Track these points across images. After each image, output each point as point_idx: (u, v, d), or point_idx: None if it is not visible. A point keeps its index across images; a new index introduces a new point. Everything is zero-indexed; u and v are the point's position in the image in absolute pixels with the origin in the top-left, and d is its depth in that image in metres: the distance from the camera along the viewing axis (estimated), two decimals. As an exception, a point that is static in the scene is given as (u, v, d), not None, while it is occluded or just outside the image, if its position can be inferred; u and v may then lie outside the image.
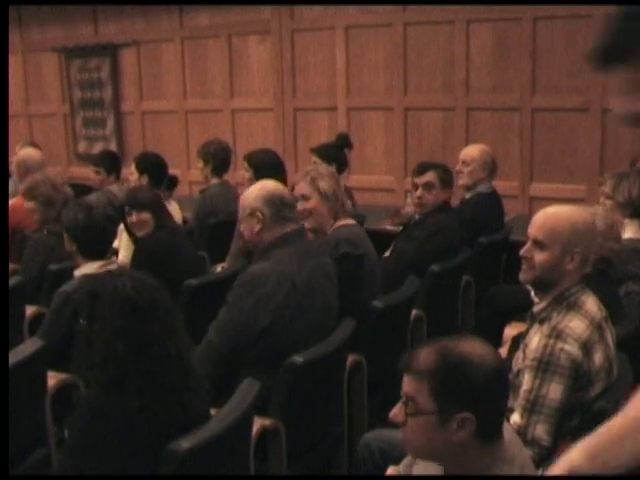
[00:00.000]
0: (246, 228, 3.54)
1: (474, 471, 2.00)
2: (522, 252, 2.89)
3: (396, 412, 2.02)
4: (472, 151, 5.53)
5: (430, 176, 4.87)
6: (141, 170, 5.60)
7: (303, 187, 4.11)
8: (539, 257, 2.84)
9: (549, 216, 2.88)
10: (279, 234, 3.47)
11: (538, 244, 2.85)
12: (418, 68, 7.30)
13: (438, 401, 1.95)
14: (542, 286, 2.89)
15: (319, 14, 7.73)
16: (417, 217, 5.02)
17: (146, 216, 4.49)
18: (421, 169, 4.96)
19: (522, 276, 2.93)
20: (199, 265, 4.81)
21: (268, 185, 3.62)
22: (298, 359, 3.16)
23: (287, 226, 3.49)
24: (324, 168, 4.33)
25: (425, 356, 1.99)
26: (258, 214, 3.46)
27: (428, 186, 4.86)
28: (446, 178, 4.91)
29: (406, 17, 7.27)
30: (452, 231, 4.85)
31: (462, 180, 5.47)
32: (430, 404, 1.96)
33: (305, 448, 3.41)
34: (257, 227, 3.47)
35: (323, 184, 4.06)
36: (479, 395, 1.96)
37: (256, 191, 3.55)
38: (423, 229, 4.83)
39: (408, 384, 2.00)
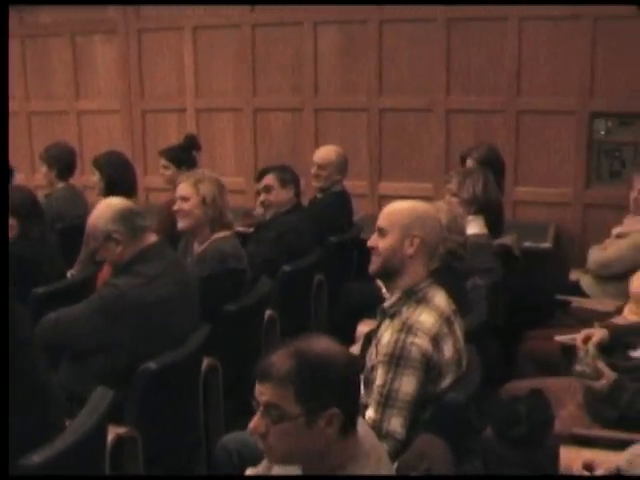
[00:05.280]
0: (107, 254, 3.48)
1: (334, 468, 2.02)
2: (368, 243, 3.00)
3: (256, 424, 2.00)
4: (328, 154, 5.59)
5: (268, 179, 4.97)
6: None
7: (184, 188, 4.11)
8: (381, 244, 2.94)
9: (391, 206, 3.02)
10: (140, 247, 3.43)
11: (380, 232, 2.95)
12: (267, 69, 7.32)
13: (304, 403, 1.95)
14: (387, 274, 2.96)
15: (166, 14, 7.62)
16: (267, 218, 5.06)
17: (12, 221, 4.17)
18: (259, 175, 5.11)
19: (370, 268, 3.01)
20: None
21: (112, 202, 3.56)
22: (152, 365, 3.13)
23: (146, 237, 3.46)
24: (211, 174, 4.31)
25: (282, 361, 1.97)
26: (116, 235, 3.41)
27: (267, 189, 4.96)
28: (285, 177, 4.99)
29: (254, 18, 7.27)
30: (301, 231, 4.91)
31: (319, 183, 5.54)
32: (296, 408, 1.95)
33: (162, 454, 3.37)
34: (119, 249, 3.41)
35: (204, 188, 4.05)
36: (341, 389, 1.98)
37: (104, 213, 3.48)
38: (272, 230, 4.86)
39: (268, 393, 1.97)
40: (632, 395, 3.17)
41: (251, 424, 2.01)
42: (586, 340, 3.46)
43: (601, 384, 3.22)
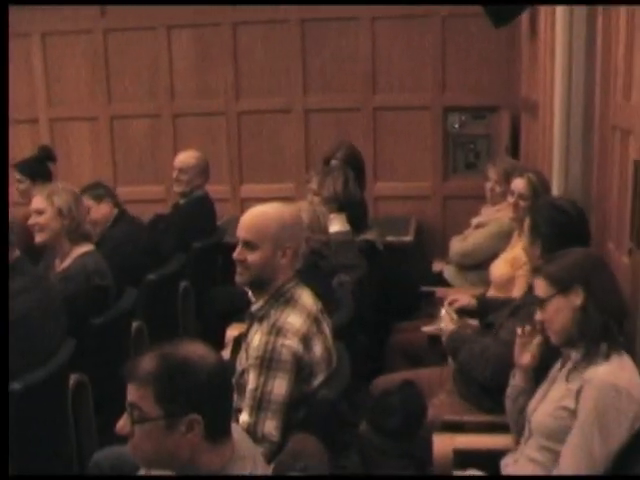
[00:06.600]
0: None
1: (210, 473, 2.00)
2: (234, 255, 2.92)
3: (122, 423, 1.98)
4: (188, 158, 5.56)
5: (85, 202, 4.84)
6: None
7: (38, 201, 3.99)
8: (252, 257, 2.87)
9: (255, 216, 2.94)
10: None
11: (248, 245, 2.88)
12: (122, 75, 7.18)
13: (163, 405, 1.93)
14: (259, 285, 2.94)
15: (13, 19, 7.35)
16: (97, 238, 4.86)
17: None
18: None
19: (238, 279, 2.95)
20: None
21: None
22: (17, 386, 3.02)
23: (10, 252, 3.34)
24: (66, 185, 4.19)
25: (146, 362, 1.96)
26: None
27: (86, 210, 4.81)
28: (98, 193, 4.84)
29: (105, 23, 7.12)
30: (135, 239, 4.81)
31: (180, 187, 5.50)
32: (156, 409, 1.93)
33: (34, 475, 3.26)
34: None
35: (58, 199, 3.94)
36: (203, 395, 1.96)
37: None
38: (103, 247, 4.65)
39: (132, 392, 1.96)
40: (482, 348, 3.24)
41: (118, 424, 1.99)
42: (452, 303, 3.80)
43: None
